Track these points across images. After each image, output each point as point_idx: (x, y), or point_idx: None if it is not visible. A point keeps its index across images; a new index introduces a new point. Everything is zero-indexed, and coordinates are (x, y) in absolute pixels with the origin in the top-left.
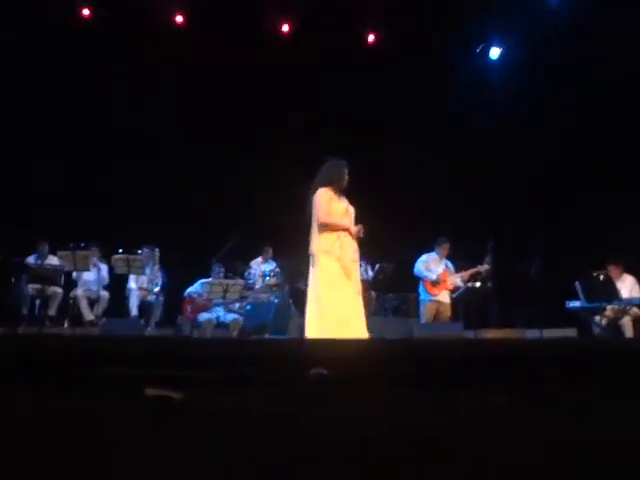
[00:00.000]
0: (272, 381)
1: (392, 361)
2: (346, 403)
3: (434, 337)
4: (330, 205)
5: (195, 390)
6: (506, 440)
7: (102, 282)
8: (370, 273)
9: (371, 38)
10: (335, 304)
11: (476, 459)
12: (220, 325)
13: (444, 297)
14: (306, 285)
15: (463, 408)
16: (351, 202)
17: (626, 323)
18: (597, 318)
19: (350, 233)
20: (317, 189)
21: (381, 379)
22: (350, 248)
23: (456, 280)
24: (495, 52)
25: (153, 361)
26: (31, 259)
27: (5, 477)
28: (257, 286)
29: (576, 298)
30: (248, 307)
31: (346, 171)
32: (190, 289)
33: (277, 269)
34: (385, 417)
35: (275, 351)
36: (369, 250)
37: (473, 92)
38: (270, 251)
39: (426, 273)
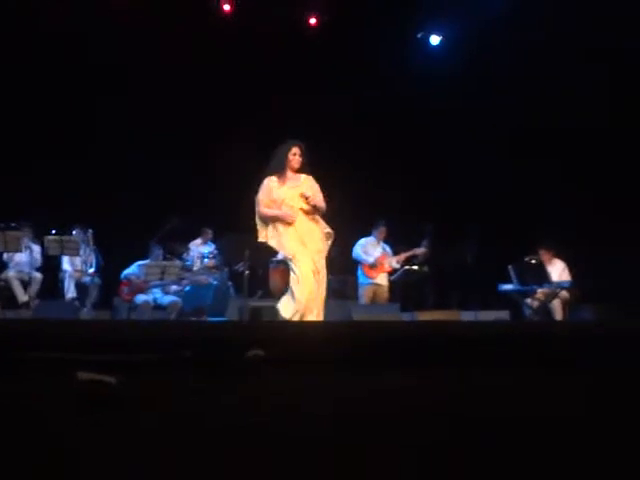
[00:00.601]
0: (208, 363)
1: (330, 342)
2: (283, 385)
3: (371, 319)
4: (270, 195)
5: (129, 374)
6: (438, 420)
7: (35, 263)
8: None
9: (313, 21)
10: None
11: (409, 441)
12: (158, 307)
13: (382, 280)
14: (244, 268)
15: (400, 389)
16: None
17: (556, 306)
18: (529, 300)
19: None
20: (263, 178)
21: (319, 360)
22: (294, 234)
23: (392, 262)
24: (435, 39)
25: (87, 345)
26: None
27: None
28: (195, 268)
29: (509, 281)
30: (187, 288)
31: (293, 151)
32: (127, 271)
33: (216, 251)
34: (322, 398)
35: (212, 333)
36: None
37: (413, 79)
38: (210, 233)
39: (364, 257)
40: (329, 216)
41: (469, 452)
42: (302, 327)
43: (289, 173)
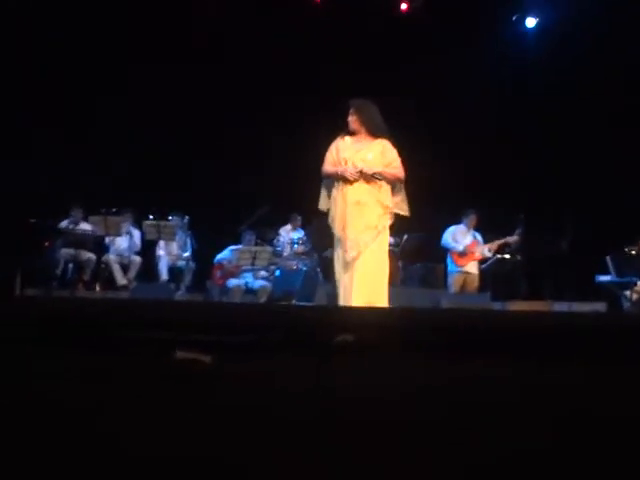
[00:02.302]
0: (298, 347)
1: (420, 329)
2: (370, 370)
3: (462, 307)
4: (334, 154)
5: (222, 354)
6: (528, 414)
7: (134, 248)
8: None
9: (404, 6)
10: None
11: (496, 431)
12: (248, 291)
13: (472, 268)
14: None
15: (489, 379)
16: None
17: None
18: (627, 293)
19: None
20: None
21: (408, 347)
22: (341, 207)
23: (484, 250)
24: (531, 22)
25: (182, 325)
26: (64, 224)
27: (41, 438)
28: (285, 253)
29: (607, 272)
30: (277, 273)
31: (350, 111)
32: (220, 255)
33: (305, 237)
34: (410, 385)
35: (302, 317)
36: (396, 220)
37: (508, 62)
38: (299, 219)
39: (453, 244)
40: (419, 203)
41: (558, 447)
42: (392, 313)
43: (358, 135)
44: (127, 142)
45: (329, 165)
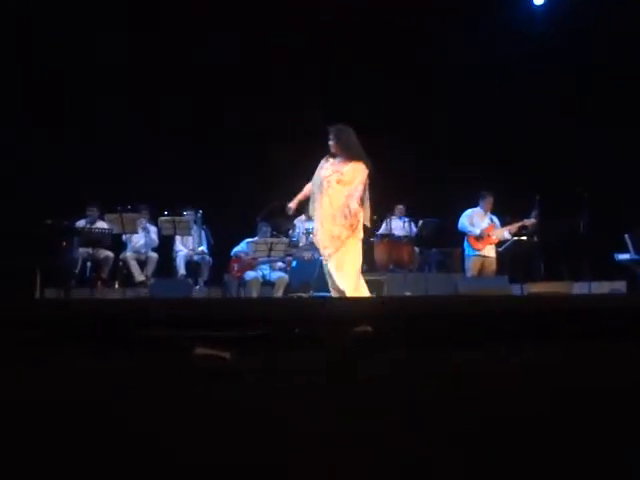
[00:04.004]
0: (317, 340)
1: (438, 318)
2: (391, 360)
3: (479, 293)
4: (316, 173)
5: (241, 350)
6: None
7: (151, 244)
8: (414, 229)
9: None
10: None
11: (521, 413)
12: (266, 283)
13: (489, 251)
14: None
15: (511, 363)
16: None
17: None
18: None
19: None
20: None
21: (426, 336)
22: (318, 215)
23: (503, 233)
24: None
25: (201, 322)
26: (81, 223)
27: (64, 431)
28: (301, 244)
29: (625, 251)
30: (293, 264)
31: (329, 136)
32: (236, 248)
33: None
34: (431, 373)
35: (320, 310)
36: (413, 205)
37: (517, 40)
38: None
39: (470, 228)
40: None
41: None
42: (409, 302)
43: (338, 157)
44: (138, 139)
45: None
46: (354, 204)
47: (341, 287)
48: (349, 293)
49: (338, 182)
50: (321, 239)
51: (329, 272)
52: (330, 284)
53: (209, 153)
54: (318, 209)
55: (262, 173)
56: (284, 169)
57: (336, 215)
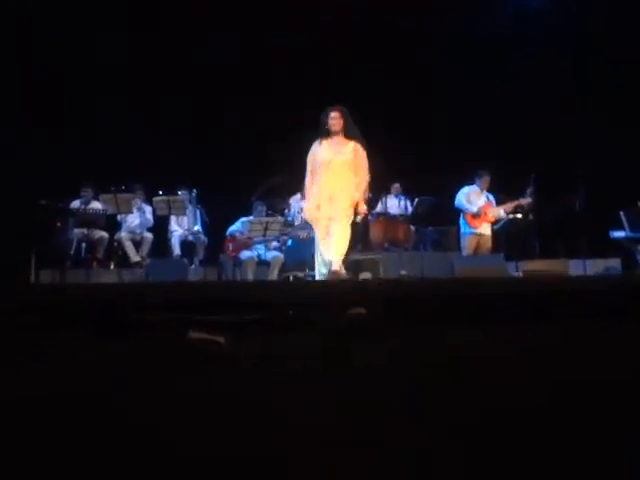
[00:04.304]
0: (311, 322)
1: (434, 300)
2: (386, 342)
3: (475, 271)
4: (313, 157)
5: (236, 333)
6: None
7: (146, 224)
8: (409, 208)
9: None
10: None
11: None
12: (261, 262)
13: (485, 229)
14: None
15: (510, 345)
16: (385, 137)
17: None
18: None
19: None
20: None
21: (422, 318)
22: (317, 198)
23: (499, 212)
24: None
25: (195, 306)
26: (75, 204)
27: (60, 419)
28: (296, 223)
29: (620, 228)
30: (289, 243)
31: (332, 115)
32: (231, 228)
33: None
34: (427, 356)
35: (314, 292)
36: (407, 184)
37: (519, 19)
38: None
39: (467, 205)
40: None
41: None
42: (404, 285)
43: (335, 138)
44: (133, 117)
45: (308, 174)
46: (357, 194)
47: (329, 257)
48: (334, 266)
49: (343, 163)
50: (326, 213)
51: (323, 245)
52: (318, 257)
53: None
54: (322, 190)
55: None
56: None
57: (340, 195)
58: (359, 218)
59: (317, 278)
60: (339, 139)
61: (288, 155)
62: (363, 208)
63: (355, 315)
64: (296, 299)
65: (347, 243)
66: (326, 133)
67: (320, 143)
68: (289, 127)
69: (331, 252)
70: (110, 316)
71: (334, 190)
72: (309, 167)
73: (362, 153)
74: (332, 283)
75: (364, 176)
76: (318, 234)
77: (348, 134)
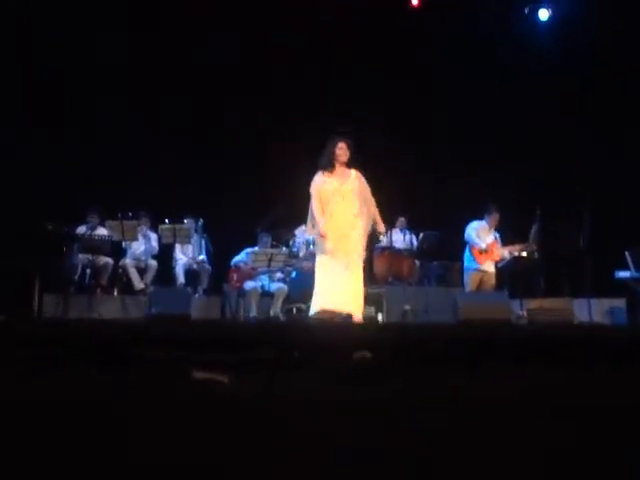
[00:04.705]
0: (316, 364)
1: (440, 344)
2: (391, 386)
3: (479, 306)
4: (319, 189)
5: (240, 373)
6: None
7: (151, 251)
8: (414, 242)
9: (415, 1)
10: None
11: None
12: (265, 294)
13: (489, 266)
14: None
15: (514, 390)
16: (389, 170)
17: None
18: None
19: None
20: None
21: (427, 362)
22: (331, 233)
23: (504, 253)
24: (544, 14)
25: (199, 344)
26: (81, 229)
27: (58, 451)
28: (301, 254)
29: (626, 268)
30: (293, 275)
31: (339, 145)
32: (236, 258)
33: None
34: (431, 400)
35: (320, 334)
36: (413, 218)
37: (522, 55)
38: None
39: (477, 240)
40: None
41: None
42: (411, 329)
43: (338, 168)
44: (140, 145)
45: (316, 202)
46: (369, 221)
47: (350, 307)
48: (357, 312)
49: (349, 191)
50: (343, 248)
51: (340, 283)
52: (339, 297)
53: (209, 153)
54: (335, 222)
55: (262, 173)
56: (284, 169)
57: (354, 236)
58: (382, 239)
59: (311, 313)
60: (342, 169)
61: (290, 185)
62: (382, 227)
63: (360, 358)
64: (301, 340)
65: (362, 289)
66: (330, 162)
67: (323, 174)
68: (297, 150)
69: (351, 305)
70: (112, 352)
71: (346, 228)
72: (316, 195)
73: (363, 178)
74: (337, 325)
75: (371, 199)
76: (320, 270)
77: (350, 164)
